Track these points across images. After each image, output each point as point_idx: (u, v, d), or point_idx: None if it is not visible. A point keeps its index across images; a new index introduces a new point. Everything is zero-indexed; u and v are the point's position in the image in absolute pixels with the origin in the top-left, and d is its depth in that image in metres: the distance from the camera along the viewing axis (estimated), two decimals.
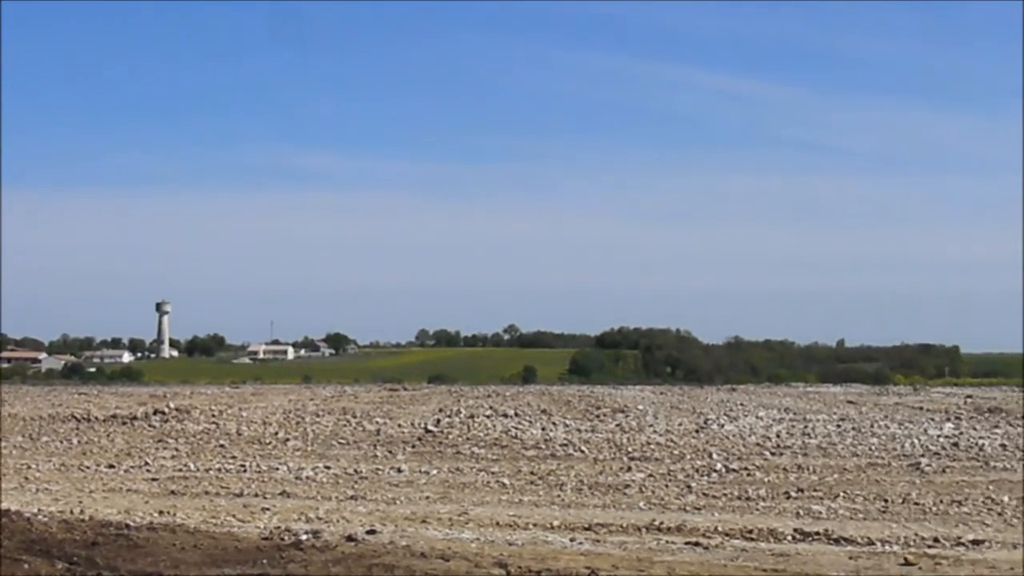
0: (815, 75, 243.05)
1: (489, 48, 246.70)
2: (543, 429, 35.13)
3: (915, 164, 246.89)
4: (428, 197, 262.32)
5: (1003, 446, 29.02)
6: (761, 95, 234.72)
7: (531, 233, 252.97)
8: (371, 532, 16.01)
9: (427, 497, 20.66)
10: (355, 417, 41.55)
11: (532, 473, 24.12)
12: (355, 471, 24.63)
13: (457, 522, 17.69)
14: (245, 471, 24.77)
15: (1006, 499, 19.83)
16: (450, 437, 32.48)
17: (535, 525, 17.35)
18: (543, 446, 29.76)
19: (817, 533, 16.37)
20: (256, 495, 20.86)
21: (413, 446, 30.27)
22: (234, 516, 18.08)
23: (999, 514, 18.47)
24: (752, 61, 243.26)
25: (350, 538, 14.94)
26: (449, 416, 41.59)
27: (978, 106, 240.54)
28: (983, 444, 29.42)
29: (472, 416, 41.48)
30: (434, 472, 24.39)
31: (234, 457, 27.65)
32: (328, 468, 25.17)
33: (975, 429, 35.18)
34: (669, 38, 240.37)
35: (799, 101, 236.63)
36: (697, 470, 24.40)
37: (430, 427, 35.73)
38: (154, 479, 23.44)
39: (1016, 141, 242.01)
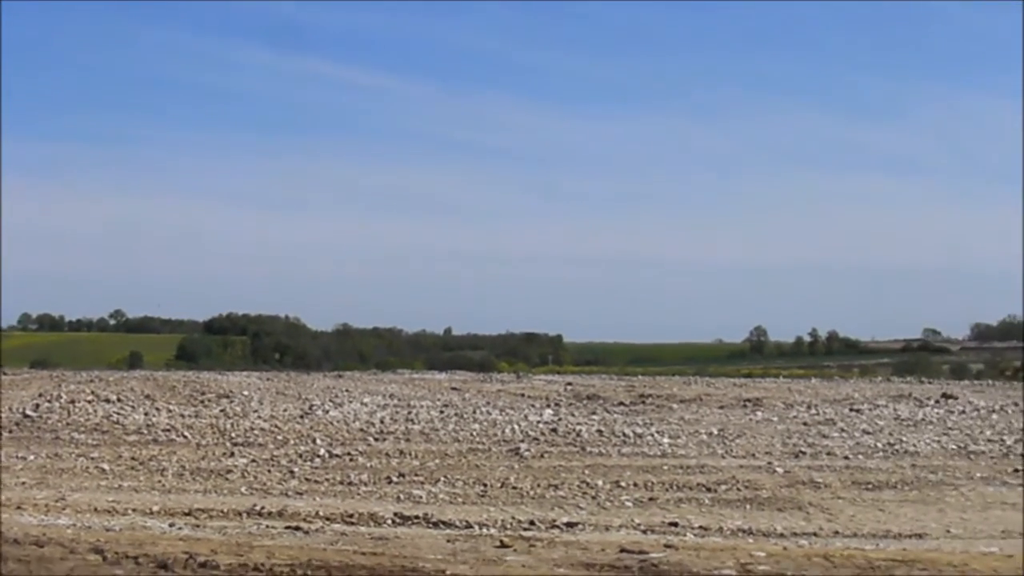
0: (438, 69, 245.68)
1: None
2: (146, 414, 34.51)
3: (522, 158, 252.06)
4: (28, 178, 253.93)
5: (599, 431, 29.97)
6: (374, 86, 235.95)
7: (137, 217, 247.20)
8: None
9: (23, 483, 20.12)
10: None
11: (133, 459, 23.76)
12: None
13: (54, 508, 17.33)
14: None
15: (600, 483, 20.61)
16: (49, 422, 31.62)
17: (134, 511, 17.16)
18: (145, 431, 29.30)
19: (417, 517, 16.70)
20: None
21: (10, 431, 29.33)
22: None
23: (593, 497, 19.20)
24: (372, 55, 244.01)
25: None
26: (49, 401, 40.41)
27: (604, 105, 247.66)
28: (580, 430, 30.28)
29: (73, 401, 40.40)
30: (32, 458, 23.76)
31: None
32: None
33: (573, 415, 36.07)
34: (287, 28, 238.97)
35: (420, 95, 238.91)
36: (300, 455, 24.48)
37: (29, 412, 34.69)
38: None
39: (627, 141, 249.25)
